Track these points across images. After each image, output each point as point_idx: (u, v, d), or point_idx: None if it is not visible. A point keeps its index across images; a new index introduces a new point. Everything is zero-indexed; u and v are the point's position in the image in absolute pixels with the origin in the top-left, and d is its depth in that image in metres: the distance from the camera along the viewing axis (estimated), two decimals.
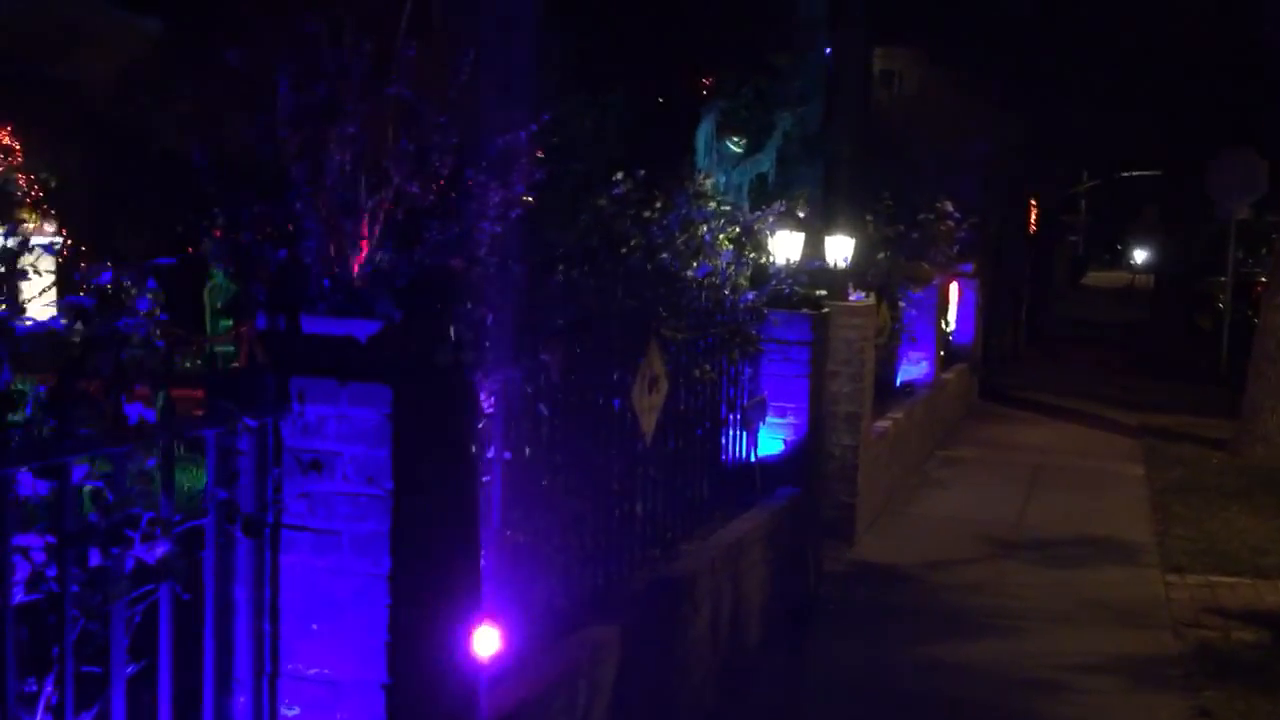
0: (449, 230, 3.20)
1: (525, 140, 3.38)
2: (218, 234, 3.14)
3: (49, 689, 2.45)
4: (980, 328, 15.81)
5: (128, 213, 11.62)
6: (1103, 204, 45.66)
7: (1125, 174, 30.70)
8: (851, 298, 8.69)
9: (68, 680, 2.43)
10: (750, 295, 6.70)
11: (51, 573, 2.43)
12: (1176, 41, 17.82)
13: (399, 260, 3.10)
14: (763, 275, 6.97)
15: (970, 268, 14.46)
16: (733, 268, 6.48)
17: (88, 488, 2.58)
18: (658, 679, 5.01)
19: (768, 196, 9.20)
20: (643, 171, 5.76)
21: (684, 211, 6.07)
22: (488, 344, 3.67)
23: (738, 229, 6.73)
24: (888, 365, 11.28)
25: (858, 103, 12.76)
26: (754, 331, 6.84)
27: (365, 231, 3.06)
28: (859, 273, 9.60)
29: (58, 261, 10.07)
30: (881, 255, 10.78)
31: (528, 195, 3.58)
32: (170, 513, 2.66)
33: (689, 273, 5.96)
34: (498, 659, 3.58)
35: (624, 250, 5.52)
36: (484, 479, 3.83)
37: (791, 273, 7.38)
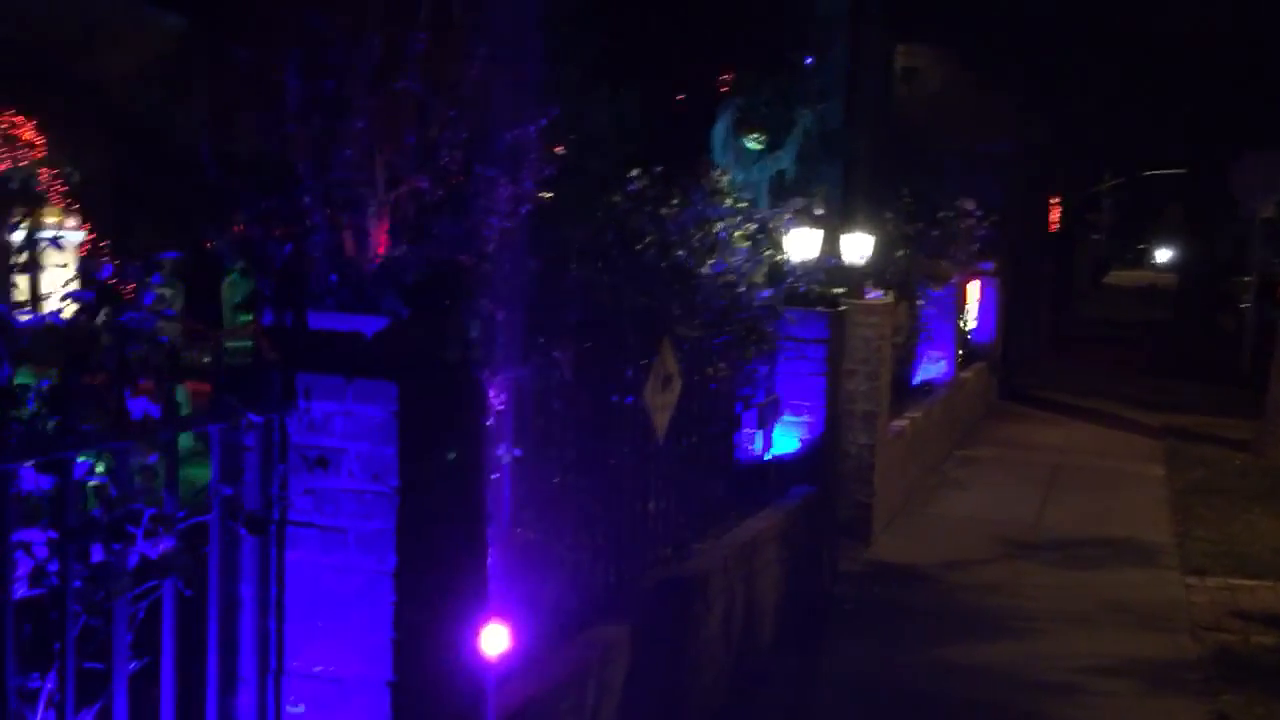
0: (458, 226, 3.18)
1: (535, 134, 3.35)
2: (238, 229, 3.12)
3: (51, 685, 2.44)
4: (1000, 327, 15.71)
5: (149, 208, 11.66)
6: (1126, 203, 45.40)
7: (1148, 173, 30.50)
8: (869, 296, 8.64)
9: (69, 676, 2.41)
10: (766, 293, 6.67)
11: (54, 568, 2.42)
12: (1199, 41, 17.68)
13: (407, 256, 3.08)
14: (779, 273, 6.93)
15: (990, 266, 14.37)
16: (748, 265, 6.45)
17: (92, 483, 2.57)
18: (669, 679, 4.98)
19: (787, 194, 9.15)
20: (660, 168, 5.73)
21: (700, 208, 6.04)
22: (498, 340, 3.65)
23: (754, 226, 6.69)
24: (906, 364, 11.21)
25: (878, 100, 12.70)
26: (769, 329, 6.81)
27: (372, 227, 3.04)
28: (877, 271, 9.54)
29: (80, 256, 10.13)
30: (900, 253, 10.72)
31: (542, 191, 3.55)
32: (174, 509, 2.65)
33: (704, 270, 5.93)
34: (506, 658, 3.56)
35: (639, 247, 5.50)
36: (494, 476, 3.81)
37: (808, 270, 7.34)
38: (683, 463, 5.68)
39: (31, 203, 11.91)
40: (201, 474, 2.90)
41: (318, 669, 2.98)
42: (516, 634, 3.68)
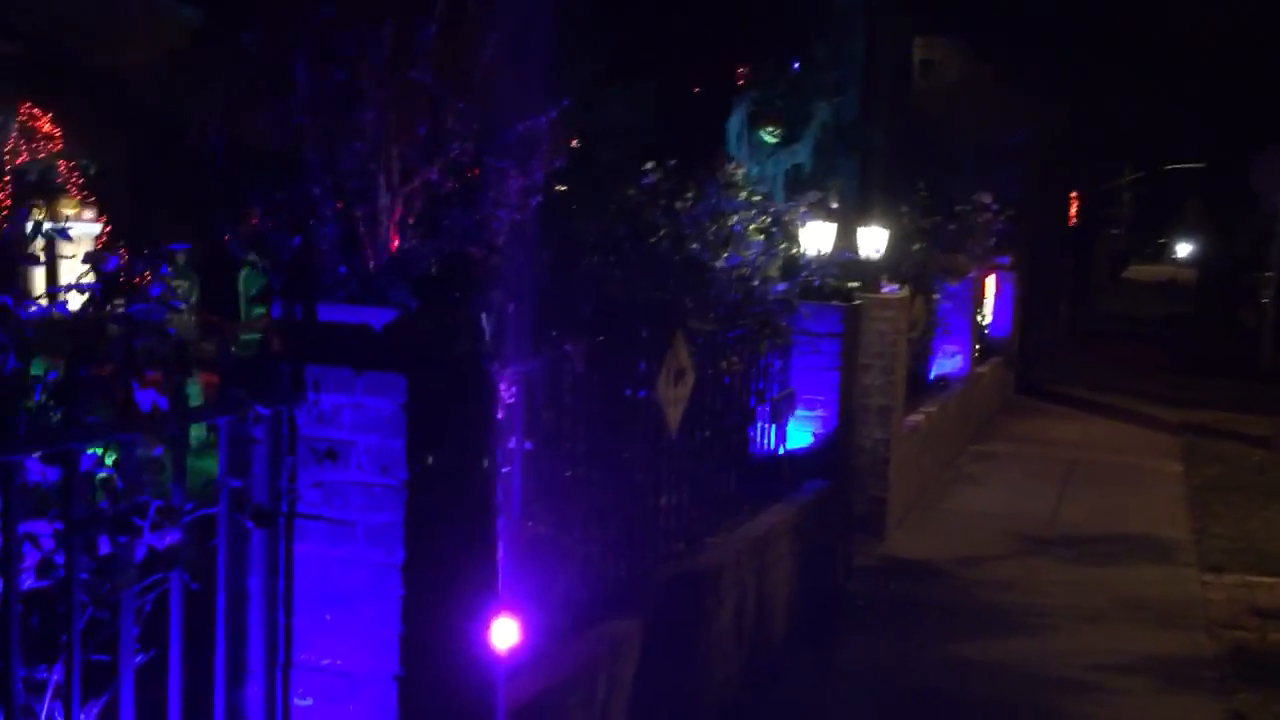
0: (469, 218, 3.16)
1: (547, 126, 3.33)
2: (255, 221, 3.12)
3: (58, 676, 2.43)
4: (1017, 321, 15.64)
5: (165, 200, 11.69)
6: (1146, 197, 45.14)
7: (1168, 167, 30.31)
8: (885, 290, 8.60)
9: (75, 668, 2.41)
10: (780, 286, 6.63)
11: (60, 560, 2.42)
12: (1220, 34, 17.56)
13: (417, 248, 3.07)
14: (793, 266, 6.91)
15: (1008, 260, 14.30)
16: (763, 258, 6.42)
17: (101, 474, 2.57)
18: (680, 674, 4.96)
19: (803, 188, 9.11)
20: (674, 161, 5.70)
21: (714, 202, 6.01)
22: (509, 333, 3.64)
23: (768, 219, 6.66)
24: (921, 358, 11.16)
25: (895, 93, 12.63)
26: (784, 323, 6.78)
27: (383, 219, 3.02)
28: (893, 265, 9.50)
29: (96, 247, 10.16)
30: (916, 247, 10.67)
31: (557, 184, 3.53)
32: (181, 501, 2.64)
33: (718, 263, 5.90)
34: (516, 652, 3.55)
35: (652, 240, 5.48)
36: (504, 469, 3.80)
37: (823, 264, 7.30)
38: (695, 457, 5.66)
39: (50, 194, 11.98)
40: (212, 466, 2.89)
41: (326, 662, 2.98)
42: (526, 628, 3.66)
